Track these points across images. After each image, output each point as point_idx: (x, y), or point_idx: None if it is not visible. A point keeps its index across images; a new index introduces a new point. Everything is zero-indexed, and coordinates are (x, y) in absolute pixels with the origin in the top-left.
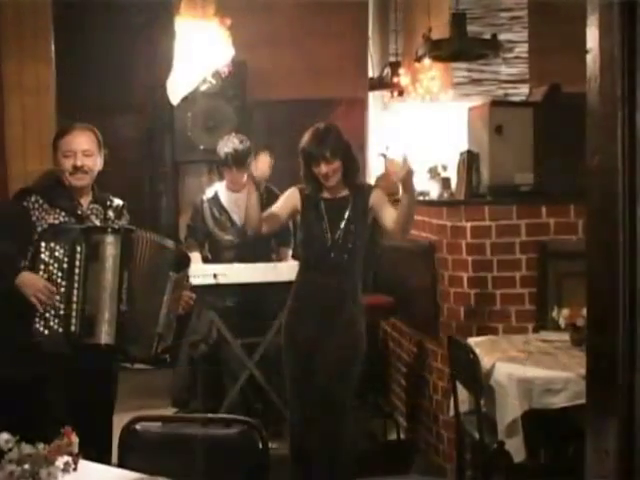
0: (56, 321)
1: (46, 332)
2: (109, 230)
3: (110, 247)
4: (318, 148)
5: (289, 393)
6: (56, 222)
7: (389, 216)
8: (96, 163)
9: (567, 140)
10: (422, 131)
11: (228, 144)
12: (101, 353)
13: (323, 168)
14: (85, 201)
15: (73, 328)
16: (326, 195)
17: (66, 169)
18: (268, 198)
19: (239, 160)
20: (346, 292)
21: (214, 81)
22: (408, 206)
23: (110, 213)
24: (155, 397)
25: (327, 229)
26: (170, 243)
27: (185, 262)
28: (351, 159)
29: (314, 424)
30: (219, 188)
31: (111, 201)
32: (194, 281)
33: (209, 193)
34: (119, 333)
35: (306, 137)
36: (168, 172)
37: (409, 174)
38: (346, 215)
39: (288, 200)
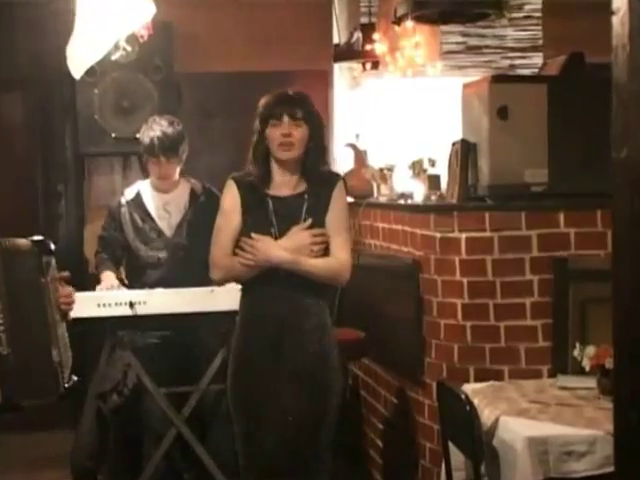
0: None
1: None
2: None
3: None
4: (285, 105)
5: (241, 460)
6: None
7: (338, 249)
8: None
9: (592, 125)
10: (403, 114)
11: (154, 127)
12: None
13: (286, 126)
14: None
15: None
16: (275, 192)
17: None
18: (208, 202)
19: (168, 147)
20: (307, 318)
21: (130, 48)
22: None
23: None
24: (49, 467)
25: (276, 235)
26: (24, 242)
27: (45, 250)
28: (319, 139)
29: None
30: (142, 187)
31: None
32: (103, 311)
33: (129, 194)
34: (5, 386)
35: (267, 97)
36: (69, 167)
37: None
38: (302, 216)
39: (231, 205)
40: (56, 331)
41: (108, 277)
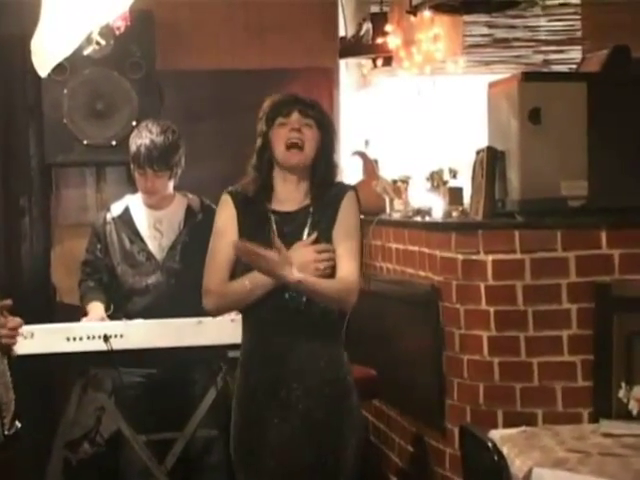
0: None
1: None
2: None
3: None
4: (294, 103)
5: None
6: None
7: (342, 267)
8: None
9: (639, 130)
10: (420, 118)
11: (143, 134)
12: None
13: (295, 121)
14: None
15: None
16: (277, 207)
17: None
18: (206, 221)
19: (156, 158)
20: (319, 355)
21: (104, 41)
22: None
23: None
24: None
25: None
26: None
27: None
28: (330, 150)
29: None
30: (132, 202)
31: None
32: (73, 346)
33: (116, 210)
34: None
35: (273, 96)
36: (34, 179)
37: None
38: (305, 234)
39: (227, 224)
40: None
41: (95, 308)
